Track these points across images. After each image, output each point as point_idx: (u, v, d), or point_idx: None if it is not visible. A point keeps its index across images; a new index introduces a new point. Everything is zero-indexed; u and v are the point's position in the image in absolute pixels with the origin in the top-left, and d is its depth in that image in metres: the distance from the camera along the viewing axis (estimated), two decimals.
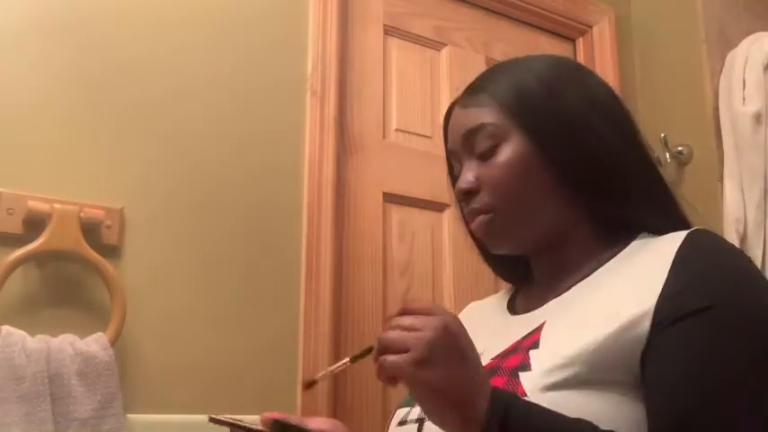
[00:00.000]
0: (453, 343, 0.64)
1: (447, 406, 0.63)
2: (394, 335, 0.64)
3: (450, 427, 0.64)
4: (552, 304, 0.81)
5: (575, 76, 0.88)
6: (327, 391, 1.45)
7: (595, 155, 0.82)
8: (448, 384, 0.63)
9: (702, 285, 0.71)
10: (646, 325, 0.69)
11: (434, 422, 0.65)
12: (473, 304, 1.05)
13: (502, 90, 0.85)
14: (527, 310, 0.86)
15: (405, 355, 0.63)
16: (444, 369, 0.63)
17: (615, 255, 0.81)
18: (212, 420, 0.85)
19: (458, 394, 0.63)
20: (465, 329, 0.67)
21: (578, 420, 0.65)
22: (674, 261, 0.72)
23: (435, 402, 0.64)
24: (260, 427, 0.84)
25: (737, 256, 0.76)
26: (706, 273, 0.72)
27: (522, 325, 0.81)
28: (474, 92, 0.88)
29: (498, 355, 0.77)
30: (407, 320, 0.65)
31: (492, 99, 0.85)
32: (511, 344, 0.78)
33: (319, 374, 0.82)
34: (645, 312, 0.69)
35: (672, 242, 0.75)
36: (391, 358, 0.63)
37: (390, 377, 0.64)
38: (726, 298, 0.70)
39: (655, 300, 0.70)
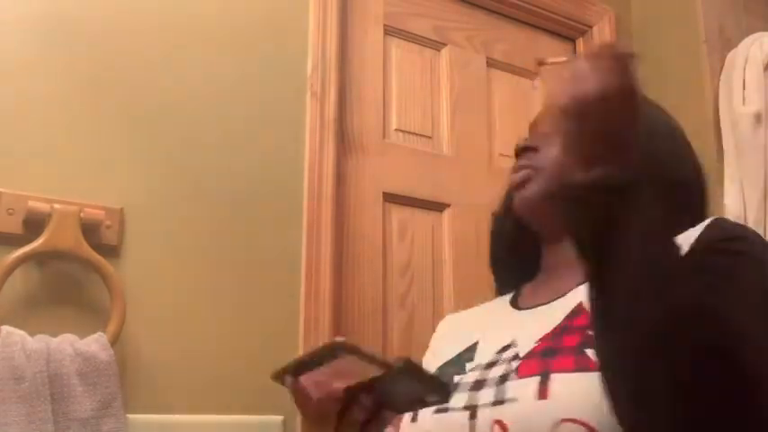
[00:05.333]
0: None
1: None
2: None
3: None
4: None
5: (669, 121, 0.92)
6: None
7: (669, 173, 0.84)
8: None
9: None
10: None
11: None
12: (449, 316, 1.06)
13: None
14: (540, 303, 0.86)
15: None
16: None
17: None
18: (278, 376, 0.71)
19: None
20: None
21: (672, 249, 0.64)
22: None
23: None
24: (380, 357, 0.69)
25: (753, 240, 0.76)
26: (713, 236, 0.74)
27: (544, 315, 0.81)
28: None
29: (543, 338, 0.77)
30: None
31: None
32: (550, 329, 0.78)
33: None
34: None
35: (693, 230, 0.76)
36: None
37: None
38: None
39: None
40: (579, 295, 0.78)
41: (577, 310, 0.78)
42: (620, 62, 0.72)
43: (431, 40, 1.88)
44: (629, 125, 0.69)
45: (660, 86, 2.09)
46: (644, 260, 0.62)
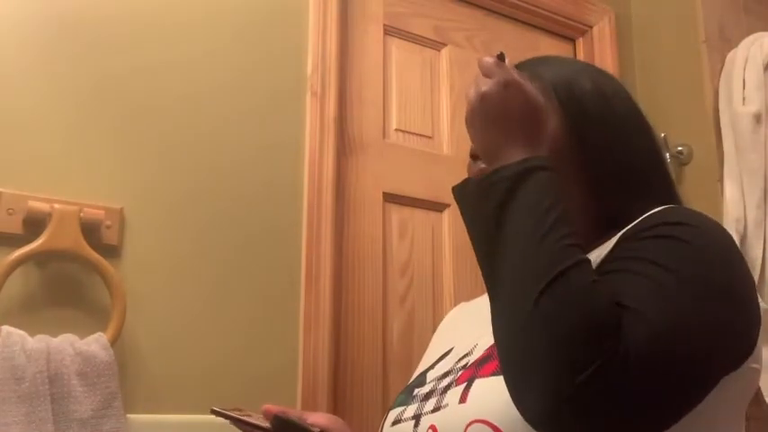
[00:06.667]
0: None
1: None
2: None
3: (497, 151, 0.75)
4: None
5: (618, 85, 0.92)
6: (327, 388, 1.45)
7: (625, 160, 0.85)
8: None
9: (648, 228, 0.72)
10: None
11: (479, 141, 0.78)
12: (462, 305, 1.07)
13: (553, 76, 0.87)
14: None
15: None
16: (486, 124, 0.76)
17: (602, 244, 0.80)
18: (213, 412, 0.86)
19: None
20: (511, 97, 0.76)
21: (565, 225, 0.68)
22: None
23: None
24: (261, 422, 0.85)
25: (702, 220, 0.74)
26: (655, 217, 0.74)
27: None
28: (523, 68, 0.87)
29: (492, 345, 0.77)
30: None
31: (542, 79, 0.86)
32: None
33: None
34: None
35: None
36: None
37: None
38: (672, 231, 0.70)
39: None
40: None
41: None
42: (492, 65, 0.77)
43: (431, 40, 1.88)
44: (511, 120, 0.74)
45: (660, 86, 2.09)
46: (522, 249, 0.66)
